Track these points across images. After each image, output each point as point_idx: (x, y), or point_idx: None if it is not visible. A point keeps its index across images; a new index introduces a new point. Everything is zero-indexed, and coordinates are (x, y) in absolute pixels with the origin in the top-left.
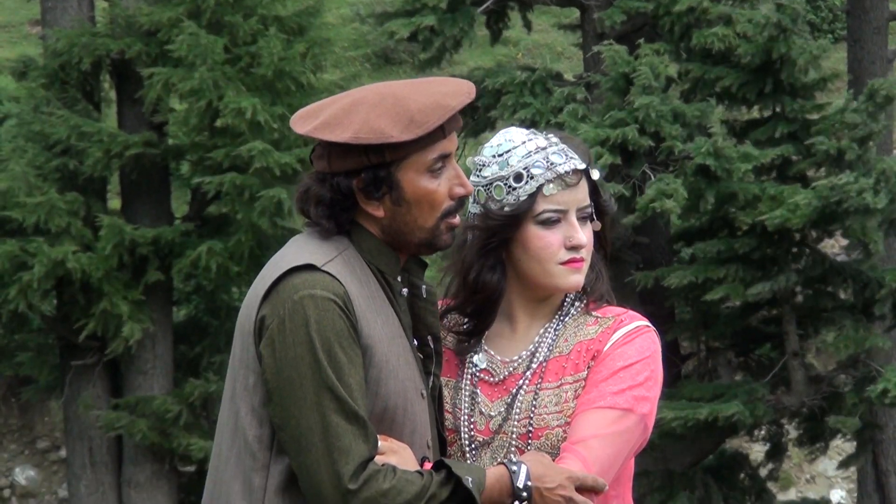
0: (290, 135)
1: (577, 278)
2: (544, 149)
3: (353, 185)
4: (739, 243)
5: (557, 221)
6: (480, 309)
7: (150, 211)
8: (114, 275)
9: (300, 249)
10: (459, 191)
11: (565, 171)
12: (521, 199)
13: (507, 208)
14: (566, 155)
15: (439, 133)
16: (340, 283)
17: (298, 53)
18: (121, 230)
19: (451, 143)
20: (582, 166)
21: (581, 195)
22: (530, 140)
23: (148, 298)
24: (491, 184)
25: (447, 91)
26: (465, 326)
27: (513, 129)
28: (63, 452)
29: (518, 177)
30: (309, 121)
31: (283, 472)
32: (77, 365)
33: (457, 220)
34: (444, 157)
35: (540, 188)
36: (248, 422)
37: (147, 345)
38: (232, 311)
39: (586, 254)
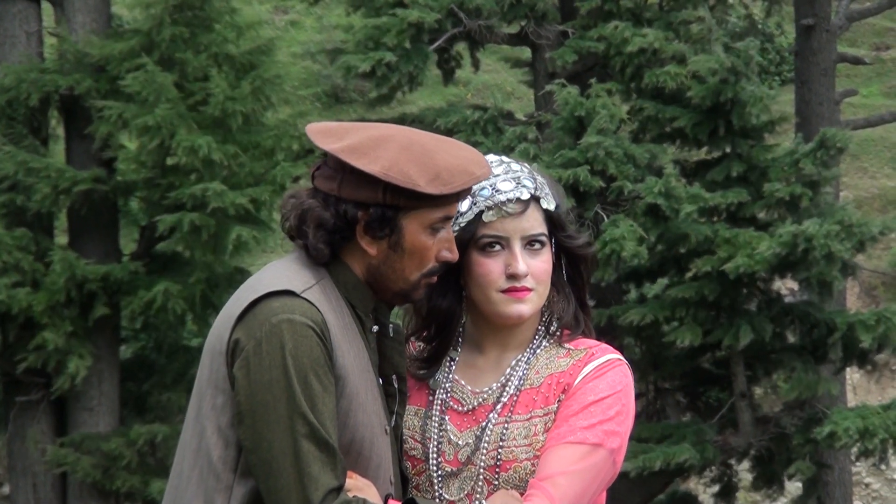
0: (241, 172)
1: (518, 307)
2: (497, 176)
3: (359, 217)
4: (704, 287)
5: (498, 248)
6: (436, 334)
7: (97, 247)
8: (59, 310)
9: (278, 274)
10: (446, 255)
11: (506, 199)
12: (463, 225)
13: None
14: (516, 182)
15: (453, 196)
16: (318, 310)
17: (248, 90)
18: (72, 265)
19: (454, 208)
20: (526, 196)
21: (527, 224)
22: (492, 167)
23: (95, 335)
24: None
25: (472, 158)
26: (424, 353)
27: (489, 156)
28: (6, 489)
29: (466, 203)
30: (333, 139)
31: (247, 494)
32: (21, 401)
33: (434, 279)
34: (446, 220)
35: (480, 215)
36: (213, 442)
37: (93, 382)
38: (180, 350)
39: (533, 283)
